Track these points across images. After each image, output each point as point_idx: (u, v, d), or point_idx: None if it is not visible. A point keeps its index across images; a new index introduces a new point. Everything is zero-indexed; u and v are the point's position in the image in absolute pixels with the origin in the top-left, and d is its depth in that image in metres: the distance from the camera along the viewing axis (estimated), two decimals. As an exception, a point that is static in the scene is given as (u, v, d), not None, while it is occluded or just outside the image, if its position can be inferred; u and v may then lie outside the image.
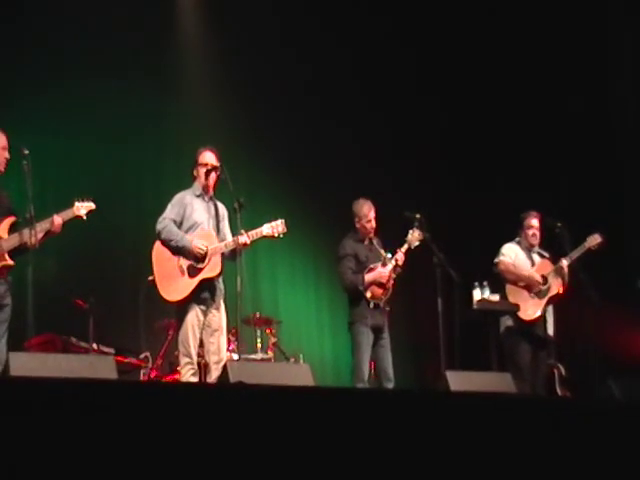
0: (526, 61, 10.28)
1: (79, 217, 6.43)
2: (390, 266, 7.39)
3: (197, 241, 6.59)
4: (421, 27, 10.31)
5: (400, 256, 7.40)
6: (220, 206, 6.87)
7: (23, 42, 8.24)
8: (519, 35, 10.23)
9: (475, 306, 8.49)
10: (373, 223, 7.60)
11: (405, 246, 7.42)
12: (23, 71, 8.21)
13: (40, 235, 6.06)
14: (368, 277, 7.39)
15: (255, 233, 6.68)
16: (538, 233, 7.89)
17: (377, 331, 7.40)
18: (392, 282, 7.40)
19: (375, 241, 7.66)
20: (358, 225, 7.62)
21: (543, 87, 10.26)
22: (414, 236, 7.40)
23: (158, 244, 6.69)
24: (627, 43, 10.87)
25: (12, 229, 6.15)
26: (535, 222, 7.90)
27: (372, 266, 7.45)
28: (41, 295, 6.24)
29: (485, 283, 8.48)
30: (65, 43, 8.63)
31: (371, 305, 7.35)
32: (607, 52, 10.83)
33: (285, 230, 6.76)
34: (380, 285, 7.38)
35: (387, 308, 7.49)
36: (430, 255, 7.51)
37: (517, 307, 7.68)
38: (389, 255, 7.45)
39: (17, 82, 8.01)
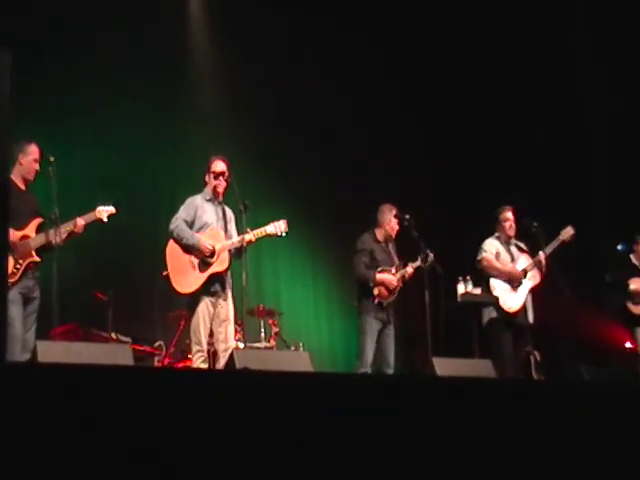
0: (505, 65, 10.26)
1: (100, 220, 6.45)
2: (399, 276, 7.42)
3: (205, 240, 6.60)
4: (404, 46, 10.27)
5: (410, 270, 7.42)
6: (228, 210, 6.89)
7: (54, 62, 8.24)
8: (496, 43, 10.16)
9: (459, 299, 8.50)
10: (395, 232, 7.61)
11: (417, 263, 7.44)
12: (52, 88, 8.21)
13: (64, 235, 6.13)
14: (379, 276, 7.41)
15: (260, 232, 6.70)
16: (514, 225, 7.87)
17: (383, 323, 7.42)
18: (398, 289, 7.43)
19: (391, 245, 7.67)
20: (380, 227, 7.63)
21: (518, 96, 10.22)
22: (423, 259, 7.42)
23: (171, 242, 6.71)
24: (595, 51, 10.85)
25: (39, 229, 6.20)
26: (510, 215, 7.89)
27: (386, 268, 7.46)
28: (65, 289, 6.26)
29: (468, 278, 8.49)
30: (90, 62, 8.62)
31: (376, 301, 7.37)
32: (575, 54, 10.79)
33: (287, 229, 6.78)
34: (387, 289, 7.40)
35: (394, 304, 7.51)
36: (418, 251, 7.54)
37: (497, 299, 7.67)
38: (399, 264, 7.48)
39: (46, 97, 8.01)
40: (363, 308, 7.43)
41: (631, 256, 8.76)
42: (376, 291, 7.36)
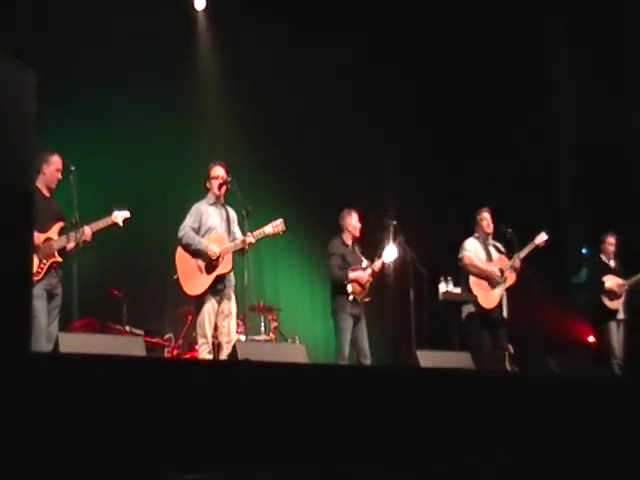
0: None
1: (116, 224, 6.46)
2: (369, 271, 7.43)
3: (211, 246, 6.61)
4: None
5: (378, 265, 7.43)
6: (230, 211, 6.88)
7: (71, 77, 8.24)
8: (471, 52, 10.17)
9: (440, 297, 8.51)
10: (357, 232, 7.64)
11: (381, 260, 7.45)
12: (70, 102, 8.21)
13: (71, 245, 6.11)
14: (352, 275, 7.41)
15: (259, 233, 6.70)
16: (491, 224, 7.87)
17: (356, 319, 7.42)
18: (369, 284, 7.44)
19: (357, 247, 7.69)
20: (345, 231, 7.65)
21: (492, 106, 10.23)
22: (386, 254, 7.44)
23: (180, 249, 6.71)
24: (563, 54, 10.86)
25: (61, 232, 6.22)
26: (487, 215, 7.87)
27: (357, 267, 7.48)
28: (84, 286, 6.27)
29: (449, 278, 8.50)
30: (104, 77, 8.63)
31: (350, 298, 7.38)
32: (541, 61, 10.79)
33: (284, 228, 6.75)
34: (359, 284, 7.42)
35: (366, 299, 7.50)
36: (404, 254, 7.55)
37: (475, 297, 7.67)
38: (367, 262, 7.50)
39: (66, 110, 8.00)
40: (338, 306, 7.42)
41: (602, 255, 8.77)
42: (350, 288, 7.38)
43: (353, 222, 7.63)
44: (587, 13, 10.07)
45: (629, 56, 10.20)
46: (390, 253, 7.46)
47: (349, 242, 7.65)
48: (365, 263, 7.49)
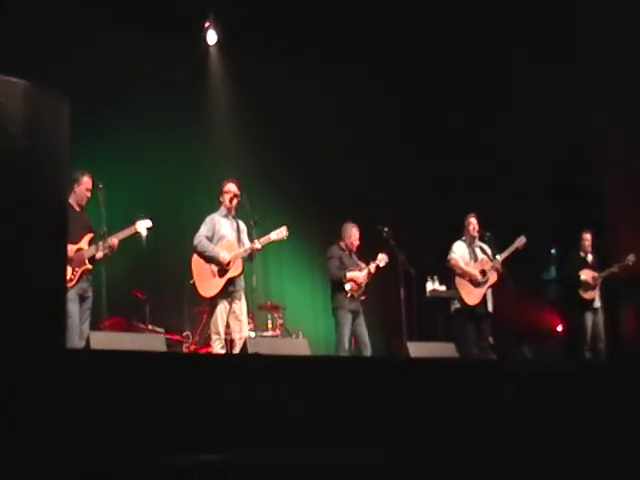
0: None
1: (139, 233, 6.47)
2: (365, 272, 7.45)
3: (223, 253, 6.62)
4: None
5: (373, 268, 7.44)
6: (240, 223, 6.90)
7: (96, 104, 8.26)
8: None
9: (428, 294, 8.57)
10: (355, 246, 7.64)
11: (375, 263, 7.46)
12: (99, 128, 8.25)
13: (100, 254, 6.12)
14: (350, 274, 7.44)
15: (265, 239, 6.71)
16: (477, 227, 7.88)
17: (354, 314, 7.43)
18: (364, 284, 7.45)
19: (353, 254, 7.70)
20: (344, 242, 7.66)
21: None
22: (381, 258, 7.46)
23: (195, 255, 6.73)
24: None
25: (91, 243, 6.24)
26: (473, 220, 7.89)
27: (353, 268, 7.50)
28: (112, 289, 6.29)
29: (435, 277, 8.54)
30: (127, 106, 8.66)
31: (348, 295, 7.40)
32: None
33: (287, 234, 6.78)
34: (356, 283, 7.43)
35: (362, 298, 7.52)
36: (395, 256, 7.56)
37: (459, 295, 7.67)
38: (364, 264, 7.51)
39: (95, 136, 8.03)
40: (338, 303, 7.44)
41: (580, 252, 8.75)
42: (347, 286, 7.40)
43: (353, 236, 7.64)
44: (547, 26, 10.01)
45: (587, 58, 10.13)
46: (384, 258, 7.47)
47: (346, 249, 7.67)
48: (362, 265, 7.51)
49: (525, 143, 10.80)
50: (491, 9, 9.67)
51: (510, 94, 10.75)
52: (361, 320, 7.45)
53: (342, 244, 7.66)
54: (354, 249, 7.67)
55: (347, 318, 7.37)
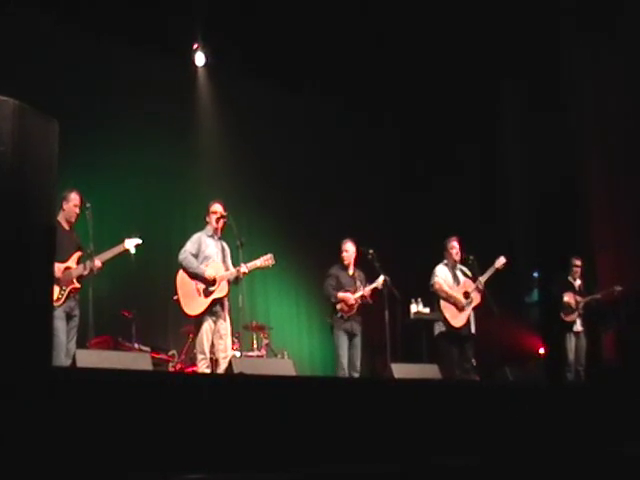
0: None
1: (127, 250, 6.44)
2: (359, 294, 7.45)
3: (209, 270, 6.61)
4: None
5: (367, 291, 7.44)
6: (225, 245, 6.88)
7: (84, 123, 8.25)
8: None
9: (412, 316, 8.55)
10: (349, 258, 7.62)
11: (373, 285, 7.46)
12: (88, 147, 8.22)
13: (86, 272, 6.09)
14: (340, 295, 7.43)
15: (252, 265, 6.70)
16: (459, 251, 7.86)
17: (350, 335, 7.43)
18: (356, 306, 7.45)
19: (357, 273, 7.66)
20: (341, 256, 7.68)
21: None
22: (379, 282, 7.47)
23: (181, 272, 6.70)
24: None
25: (79, 261, 6.20)
26: (455, 243, 7.85)
27: (347, 289, 7.50)
28: (99, 308, 6.24)
29: (419, 299, 8.54)
30: (115, 126, 8.66)
31: (339, 315, 7.41)
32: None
33: (274, 262, 6.79)
34: (347, 305, 7.44)
35: (358, 317, 7.52)
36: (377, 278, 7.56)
37: (443, 317, 7.65)
38: (360, 286, 7.51)
39: (84, 155, 8.00)
40: (334, 322, 7.45)
41: (569, 277, 8.78)
42: (338, 306, 7.42)
43: (345, 251, 7.63)
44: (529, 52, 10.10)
45: (571, 93, 10.25)
46: (382, 281, 7.47)
47: (347, 267, 7.67)
48: (359, 286, 7.50)
49: (509, 173, 10.91)
50: (477, 44, 9.75)
51: (495, 125, 10.84)
52: (357, 342, 7.44)
53: (342, 262, 7.67)
54: (350, 264, 7.66)
55: (343, 339, 7.37)
